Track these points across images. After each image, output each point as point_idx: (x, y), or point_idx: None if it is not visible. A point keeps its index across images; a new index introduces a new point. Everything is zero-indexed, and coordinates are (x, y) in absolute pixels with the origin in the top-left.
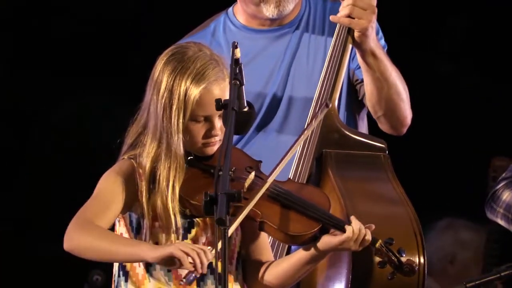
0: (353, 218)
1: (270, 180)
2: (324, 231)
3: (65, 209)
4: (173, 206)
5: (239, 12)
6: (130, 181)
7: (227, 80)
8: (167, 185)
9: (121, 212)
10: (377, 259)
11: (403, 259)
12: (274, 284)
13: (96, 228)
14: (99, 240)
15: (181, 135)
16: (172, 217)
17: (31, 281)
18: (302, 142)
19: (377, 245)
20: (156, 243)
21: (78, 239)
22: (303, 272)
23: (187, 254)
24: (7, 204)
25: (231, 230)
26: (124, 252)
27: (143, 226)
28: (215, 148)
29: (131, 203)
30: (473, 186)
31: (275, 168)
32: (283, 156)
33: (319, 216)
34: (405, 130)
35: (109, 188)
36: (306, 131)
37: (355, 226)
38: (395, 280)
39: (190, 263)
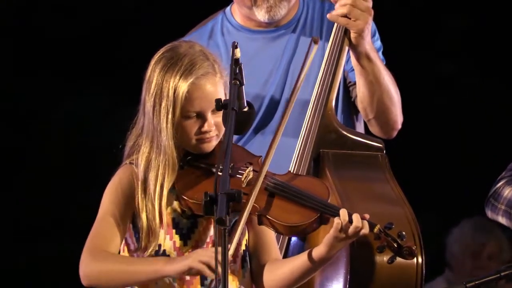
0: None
1: (263, 171)
2: (323, 220)
3: (65, 209)
4: (159, 204)
5: (236, 12)
6: (130, 189)
7: (219, 75)
8: (155, 184)
9: (129, 223)
10: (376, 243)
11: (402, 242)
12: (278, 286)
13: (109, 255)
14: (117, 264)
15: (170, 132)
16: (157, 214)
17: (31, 281)
18: (303, 140)
19: (375, 229)
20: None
21: (96, 268)
22: (309, 275)
23: (207, 264)
24: (7, 204)
25: (238, 232)
26: (144, 271)
27: (140, 231)
28: (212, 144)
29: (134, 210)
30: (472, 186)
31: (266, 157)
32: (272, 140)
33: (317, 206)
34: (395, 134)
35: (114, 206)
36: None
37: (342, 213)
38: (394, 277)
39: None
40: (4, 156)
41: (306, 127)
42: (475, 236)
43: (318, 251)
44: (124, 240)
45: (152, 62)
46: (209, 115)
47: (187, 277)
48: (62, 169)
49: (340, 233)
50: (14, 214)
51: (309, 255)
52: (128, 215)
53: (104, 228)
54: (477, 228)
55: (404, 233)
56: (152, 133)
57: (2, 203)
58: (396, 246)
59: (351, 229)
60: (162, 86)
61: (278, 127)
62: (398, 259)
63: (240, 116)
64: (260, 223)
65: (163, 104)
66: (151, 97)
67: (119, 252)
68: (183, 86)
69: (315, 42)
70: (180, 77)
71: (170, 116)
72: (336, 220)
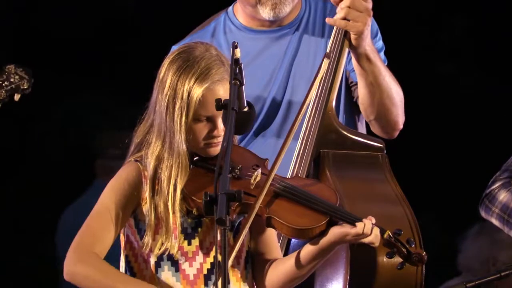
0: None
1: (272, 174)
2: (332, 224)
3: (65, 209)
4: (173, 205)
5: (239, 12)
6: (134, 187)
7: None
8: (169, 184)
9: (125, 223)
10: (386, 249)
11: (412, 249)
12: (280, 283)
13: (95, 260)
14: (99, 274)
15: (183, 135)
16: (171, 216)
17: (31, 281)
18: (303, 141)
19: (385, 235)
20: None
21: (79, 272)
22: (309, 269)
23: None
24: (7, 204)
25: (244, 233)
26: None
27: (147, 228)
28: (218, 148)
29: (136, 208)
30: (472, 186)
31: (275, 162)
32: (282, 144)
33: (326, 210)
34: (396, 134)
35: (114, 203)
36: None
37: (367, 226)
38: (394, 278)
39: None
40: (4, 156)
41: (307, 127)
42: None
43: (322, 246)
44: (126, 238)
45: (167, 61)
46: (219, 120)
47: (191, 277)
48: (62, 169)
49: (354, 238)
50: (14, 214)
51: (311, 248)
52: (128, 213)
53: (97, 226)
54: None
55: (412, 239)
56: (165, 133)
57: (1, 203)
58: (406, 252)
59: (365, 240)
60: (176, 87)
61: (290, 130)
62: (407, 265)
63: (240, 116)
64: (268, 225)
65: (177, 106)
66: (164, 97)
67: (121, 252)
68: (197, 91)
69: (327, 57)
70: (196, 80)
71: (184, 118)
72: (359, 227)
